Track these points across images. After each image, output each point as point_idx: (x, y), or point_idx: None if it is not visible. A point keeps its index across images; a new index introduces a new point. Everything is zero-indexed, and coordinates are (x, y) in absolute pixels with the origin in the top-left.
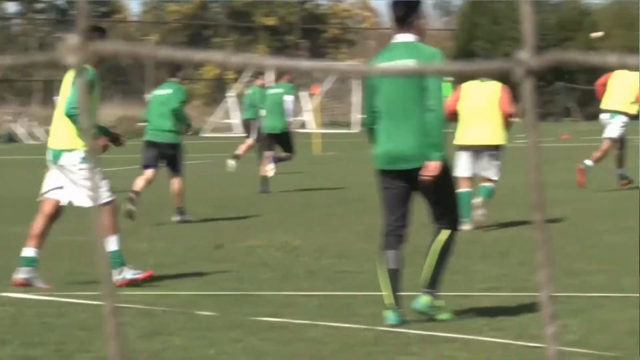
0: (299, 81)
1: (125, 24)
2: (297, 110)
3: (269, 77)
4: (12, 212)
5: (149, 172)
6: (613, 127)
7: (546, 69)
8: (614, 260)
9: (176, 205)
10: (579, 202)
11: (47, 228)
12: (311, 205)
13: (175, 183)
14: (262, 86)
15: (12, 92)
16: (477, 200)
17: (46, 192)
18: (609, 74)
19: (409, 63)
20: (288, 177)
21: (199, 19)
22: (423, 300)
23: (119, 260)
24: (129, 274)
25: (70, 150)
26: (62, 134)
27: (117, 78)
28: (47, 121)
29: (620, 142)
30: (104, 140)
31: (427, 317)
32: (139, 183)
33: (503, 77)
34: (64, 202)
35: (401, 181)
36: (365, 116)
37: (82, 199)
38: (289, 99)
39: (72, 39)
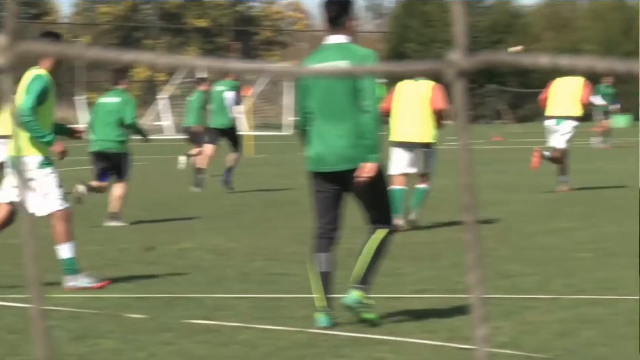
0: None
1: (56, 25)
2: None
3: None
4: None
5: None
6: (561, 137)
7: (477, 70)
8: (546, 262)
9: (112, 209)
10: (512, 204)
11: None
12: (243, 208)
13: (118, 188)
14: (206, 91)
15: None
16: (411, 214)
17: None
18: (549, 87)
19: (341, 64)
20: (220, 180)
21: (130, 21)
22: (353, 295)
23: (73, 267)
24: (83, 282)
25: (28, 156)
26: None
27: None
28: None
29: (565, 151)
30: (60, 146)
31: (357, 318)
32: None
33: (437, 77)
34: (16, 207)
35: (333, 183)
36: (297, 118)
37: (36, 206)
38: (229, 95)
39: (0, 39)
